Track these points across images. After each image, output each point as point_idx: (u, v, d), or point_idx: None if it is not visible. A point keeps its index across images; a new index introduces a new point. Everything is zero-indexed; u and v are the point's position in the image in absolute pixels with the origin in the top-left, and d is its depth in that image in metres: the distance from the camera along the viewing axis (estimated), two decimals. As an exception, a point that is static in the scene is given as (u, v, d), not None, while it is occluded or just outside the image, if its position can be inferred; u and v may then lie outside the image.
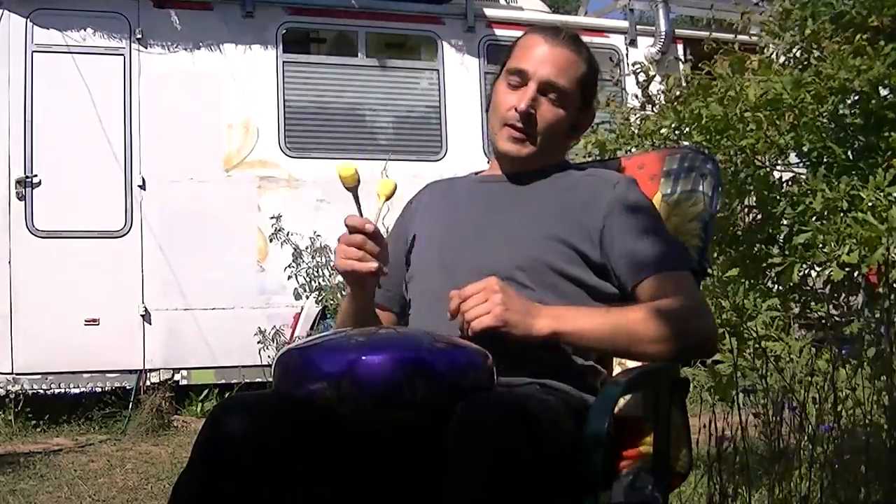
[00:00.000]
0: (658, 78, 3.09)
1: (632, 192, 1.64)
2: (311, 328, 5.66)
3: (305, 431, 1.33)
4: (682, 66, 3.11)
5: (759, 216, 2.70)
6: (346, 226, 1.54)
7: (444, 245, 1.66)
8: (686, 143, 2.72)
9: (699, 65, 2.93)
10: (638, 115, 2.98)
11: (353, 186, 1.58)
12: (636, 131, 2.91)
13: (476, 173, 1.83)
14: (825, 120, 2.51)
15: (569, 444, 1.30)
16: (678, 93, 2.78)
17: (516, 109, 1.62)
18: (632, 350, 1.49)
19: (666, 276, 1.54)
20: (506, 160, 1.69)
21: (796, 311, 2.60)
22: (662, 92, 2.93)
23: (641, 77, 3.03)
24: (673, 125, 2.67)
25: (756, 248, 2.61)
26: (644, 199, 1.65)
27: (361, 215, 1.56)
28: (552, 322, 1.43)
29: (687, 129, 2.62)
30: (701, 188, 1.73)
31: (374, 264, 1.53)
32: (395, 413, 1.27)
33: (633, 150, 2.83)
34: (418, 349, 1.28)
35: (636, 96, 3.17)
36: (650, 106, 2.97)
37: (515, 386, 1.43)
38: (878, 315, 2.31)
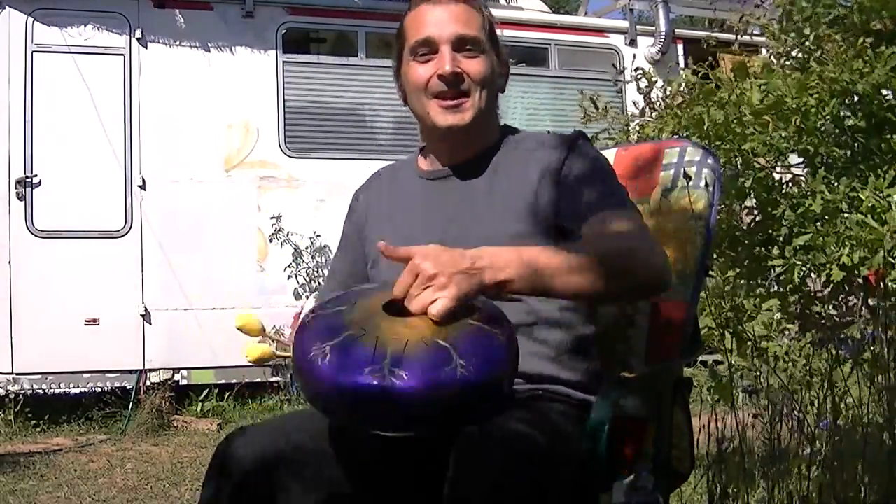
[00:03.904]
0: (660, 83, 3.08)
1: (578, 151, 1.55)
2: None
3: (311, 466, 1.34)
4: (682, 70, 3.10)
5: (759, 217, 2.70)
6: None
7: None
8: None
9: (696, 67, 2.92)
10: (637, 122, 2.97)
11: (273, 353, 1.49)
12: (635, 138, 2.91)
13: (419, 151, 1.69)
14: (828, 122, 2.51)
15: (573, 462, 1.29)
16: (681, 99, 2.77)
17: (440, 77, 1.53)
18: (585, 287, 1.34)
19: (609, 213, 1.46)
20: (448, 137, 1.57)
21: (797, 311, 2.60)
22: (663, 98, 2.92)
23: (643, 83, 3.02)
24: (673, 130, 2.66)
25: (756, 250, 2.61)
26: (593, 156, 1.56)
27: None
28: (515, 270, 1.28)
29: (687, 134, 2.62)
30: (702, 184, 1.70)
31: None
32: (421, 431, 1.23)
33: None
34: (452, 366, 1.19)
35: (635, 103, 3.16)
36: (651, 111, 2.96)
37: (520, 394, 1.43)
38: (877, 314, 2.32)
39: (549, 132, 1.71)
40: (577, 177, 1.52)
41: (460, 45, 1.54)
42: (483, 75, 1.54)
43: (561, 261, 1.32)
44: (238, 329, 1.47)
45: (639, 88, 3.05)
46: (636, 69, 3.12)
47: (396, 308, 1.26)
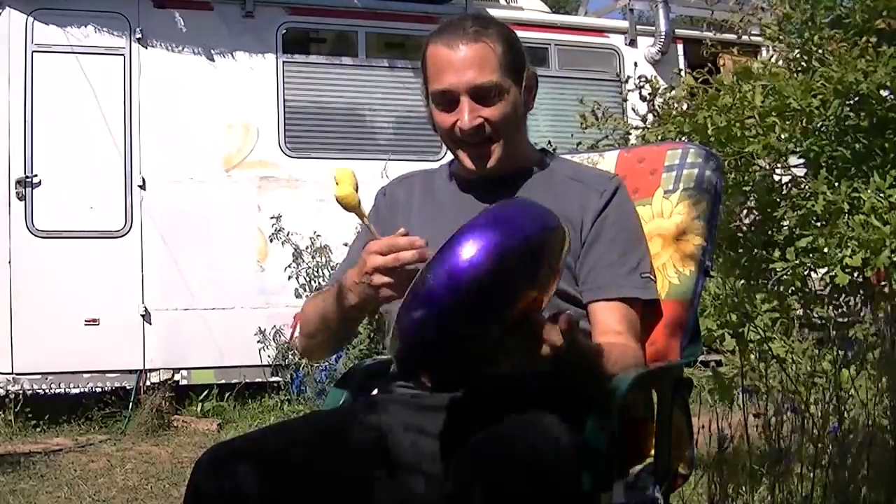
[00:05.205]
0: (662, 85, 3.06)
1: (617, 203, 1.60)
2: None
3: (285, 485, 1.34)
4: (682, 74, 3.10)
5: (760, 217, 2.70)
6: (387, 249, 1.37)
7: None
8: None
9: (695, 73, 2.91)
10: (638, 134, 2.96)
11: (355, 206, 1.44)
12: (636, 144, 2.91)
13: (451, 164, 1.72)
14: (830, 123, 2.50)
15: (573, 469, 1.30)
16: (685, 105, 2.76)
17: (462, 129, 1.55)
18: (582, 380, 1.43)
19: (617, 306, 1.53)
20: (477, 175, 1.62)
21: (799, 312, 2.60)
22: (663, 105, 2.91)
23: (645, 90, 3.00)
24: (675, 136, 2.66)
25: (757, 252, 2.61)
26: (628, 210, 1.62)
27: (376, 236, 1.41)
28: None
29: (688, 139, 2.62)
30: (704, 185, 1.72)
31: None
32: None
33: None
34: None
35: (635, 110, 3.14)
36: (654, 116, 2.95)
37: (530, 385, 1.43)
38: (880, 316, 2.31)
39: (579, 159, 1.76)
40: (610, 234, 1.56)
41: (478, 93, 1.54)
42: (505, 119, 1.56)
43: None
44: (338, 201, 1.44)
45: (641, 96, 3.04)
46: (640, 77, 3.10)
47: None
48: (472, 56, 1.53)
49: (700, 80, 2.87)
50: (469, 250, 1.16)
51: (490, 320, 1.19)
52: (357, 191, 1.45)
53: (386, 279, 1.36)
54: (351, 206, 1.44)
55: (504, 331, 1.21)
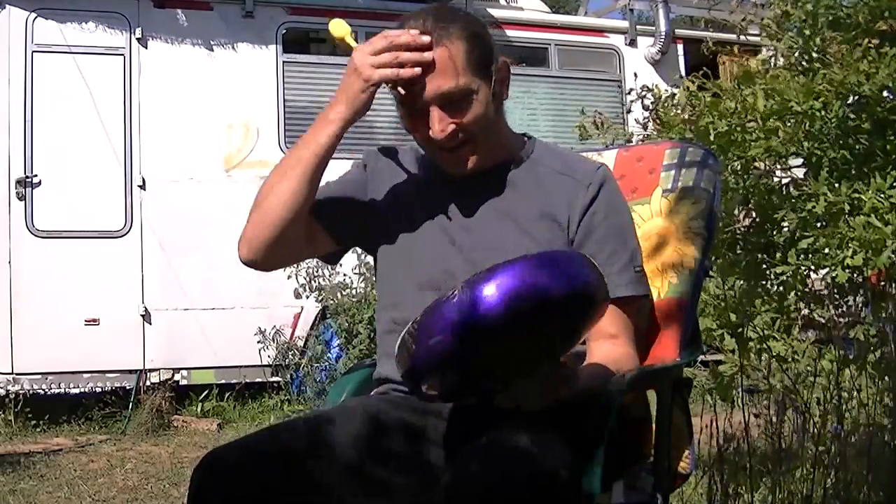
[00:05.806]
0: (662, 86, 3.04)
1: (606, 196, 1.56)
2: (311, 328, 5.66)
3: (286, 486, 1.34)
4: (683, 77, 3.09)
5: (759, 219, 2.69)
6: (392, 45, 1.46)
7: (418, 260, 1.57)
8: None
9: (695, 78, 2.90)
10: (639, 140, 2.95)
11: (341, 37, 1.58)
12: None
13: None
14: (831, 125, 2.50)
15: (570, 476, 1.30)
16: (686, 115, 2.75)
17: (434, 137, 1.50)
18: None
19: (610, 308, 1.47)
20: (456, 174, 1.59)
21: (804, 312, 2.59)
22: (665, 114, 2.89)
23: (648, 100, 2.98)
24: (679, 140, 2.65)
25: (758, 255, 2.60)
26: (617, 203, 1.59)
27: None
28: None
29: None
30: (702, 184, 1.70)
31: (416, 69, 1.46)
32: None
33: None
34: None
35: (637, 120, 3.13)
36: (654, 123, 2.93)
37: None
38: (882, 316, 2.31)
39: (572, 149, 1.75)
40: (600, 231, 1.54)
41: (446, 99, 1.48)
42: (477, 121, 1.51)
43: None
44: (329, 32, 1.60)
45: (644, 106, 3.01)
46: (642, 87, 3.06)
47: None
48: (437, 62, 1.47)
49: (698, 84, 2.86)
50: (498, 284, 1.17)
51: (480, 356, 1.21)
52: (351, 36, 1.59)
53: (383, 59, 1.47)
54: (337, 37, 1.58)
55: (500, 367, 1.24)
